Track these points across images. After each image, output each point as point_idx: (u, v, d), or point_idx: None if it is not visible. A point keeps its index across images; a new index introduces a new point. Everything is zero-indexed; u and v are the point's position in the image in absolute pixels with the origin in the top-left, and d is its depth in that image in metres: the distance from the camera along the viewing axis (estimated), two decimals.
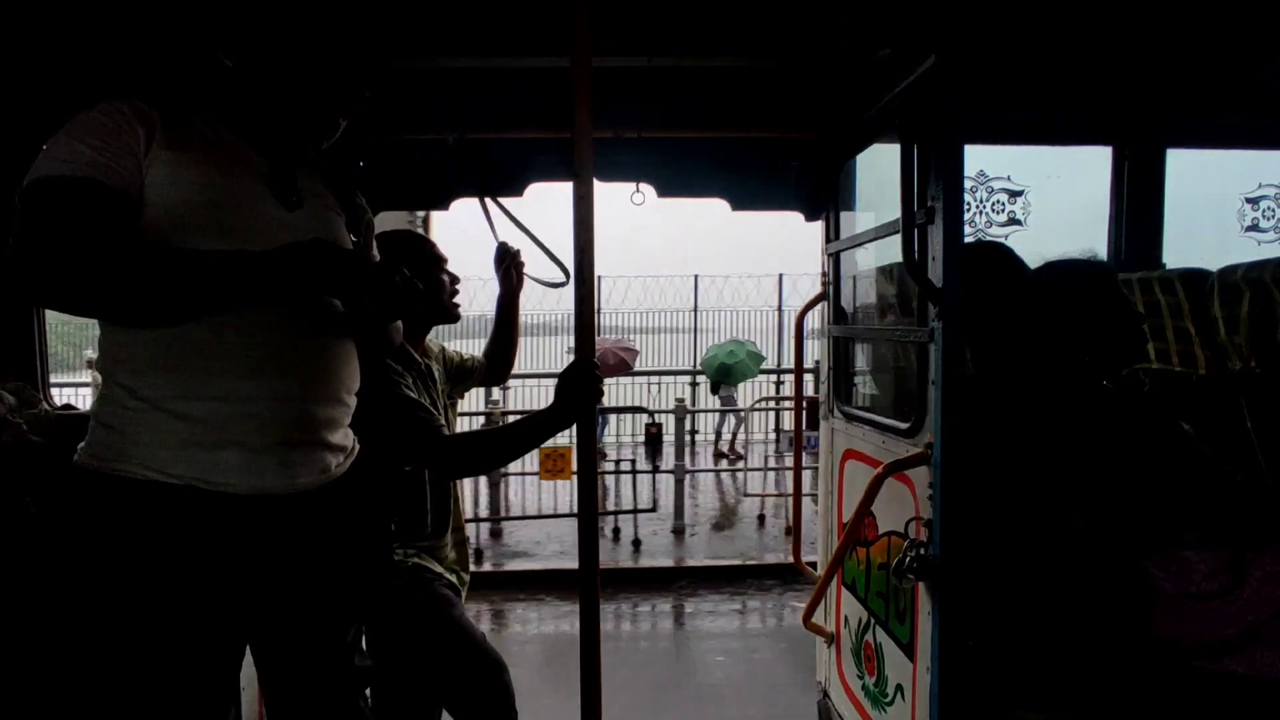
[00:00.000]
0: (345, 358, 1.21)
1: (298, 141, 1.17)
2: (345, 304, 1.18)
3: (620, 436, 8.48)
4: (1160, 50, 1.91)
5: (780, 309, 10.35)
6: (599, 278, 1.98)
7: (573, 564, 1.69)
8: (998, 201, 2.45)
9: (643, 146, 2.14)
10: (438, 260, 1.75)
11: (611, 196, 2.17)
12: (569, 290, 1.42)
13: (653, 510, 5.37)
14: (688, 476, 5.80)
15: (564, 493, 5.28)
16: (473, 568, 2.11)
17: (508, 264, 1.93)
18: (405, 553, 1.68)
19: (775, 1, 1.78)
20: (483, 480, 5.33)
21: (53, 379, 2.29)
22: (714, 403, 8.24)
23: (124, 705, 1.07)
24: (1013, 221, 2.46)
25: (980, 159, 2.44)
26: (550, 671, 3.31)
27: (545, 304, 9.02)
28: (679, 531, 5.32)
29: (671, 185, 2.21)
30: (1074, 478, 1.46)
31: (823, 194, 2.22)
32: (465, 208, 2.16)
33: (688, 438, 6.73)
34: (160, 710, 1.07)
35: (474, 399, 6.81)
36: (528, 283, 1.99)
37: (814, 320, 2.53)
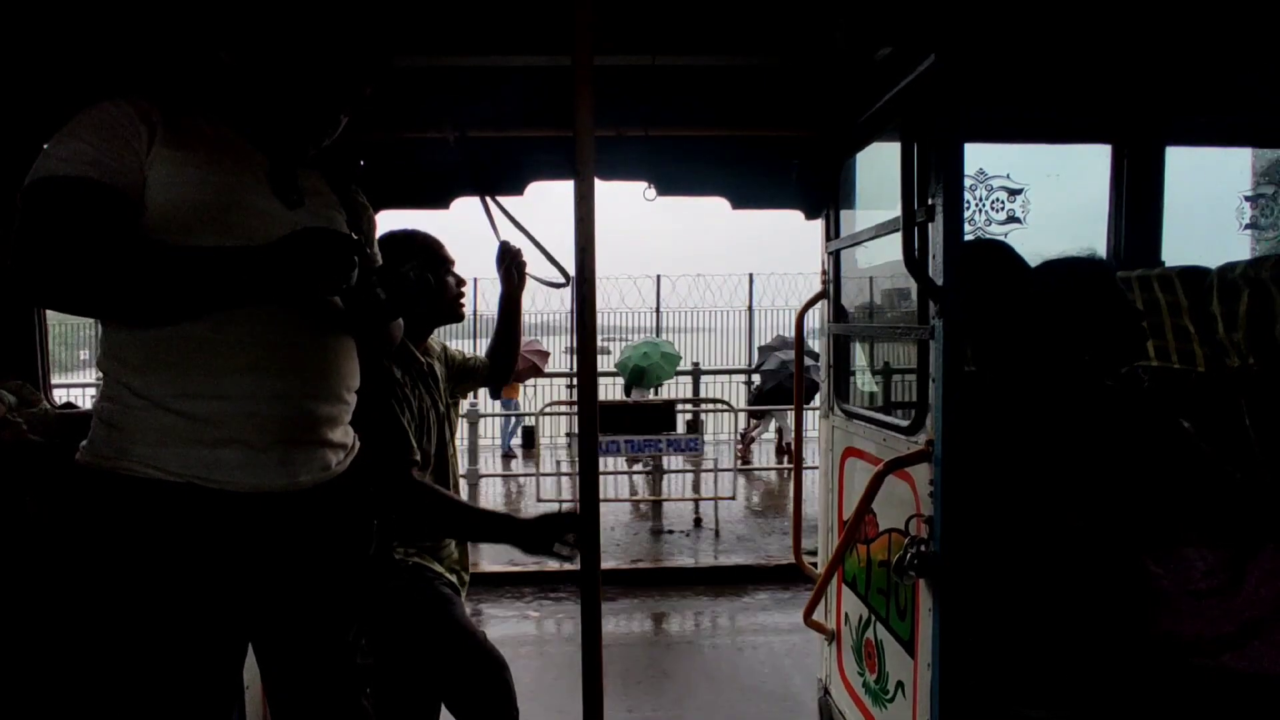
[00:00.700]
0: (345, 355, 1.21)
1: (298, 138, 1.17)
2: (348, 298, 1.18)
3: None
4: (1159, 48, 1.91)
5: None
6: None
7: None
8: (997, 200, 2.46)
9: (643, 145, 2.14)
10: (446, 262, 1.76)
11: (608, 196, 2.17)
12: (568, 290, 1.42)
13: None
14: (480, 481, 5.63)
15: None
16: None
17: (508, 263, 1.93)
18: (405, 552, 1.68)
19: (776, 0, 1.79)
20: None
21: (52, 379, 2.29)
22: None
23: (126, 704, 1.07)
24: (1012, 220, 2.47)
25: (979, 157, 2.45)
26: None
27: (550, 304, 8.95)
28: None
29: (672, 183, 2.21)
30: (1074, 475, 1.46)
31: (823, 192, 2.23)
32: (466, 207, 2.16)
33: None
34: (163, 709, 1.07)
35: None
36: (529, 283, 1.99)
37: (813, 320, 2.54)
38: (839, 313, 2.26)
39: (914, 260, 1.48)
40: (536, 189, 2.21)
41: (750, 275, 10.11)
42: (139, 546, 1.05)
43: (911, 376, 1.73)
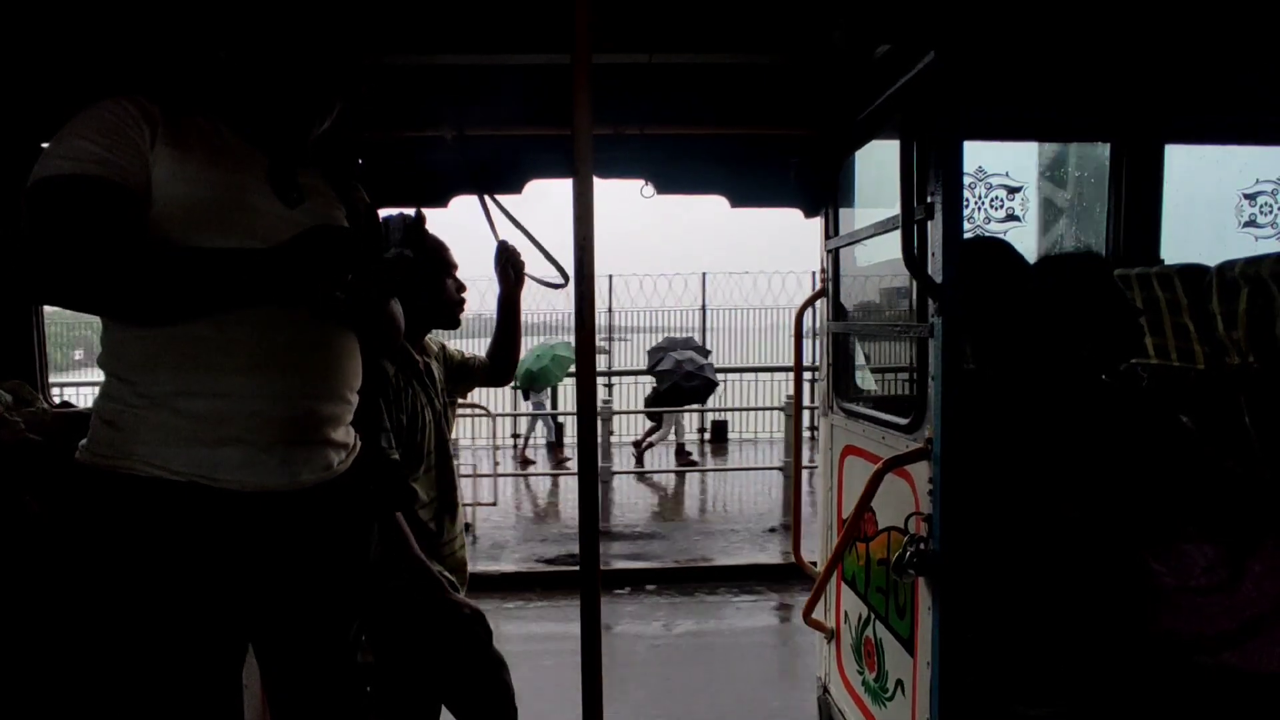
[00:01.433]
0: (348, 355, 1.21)
1: (289, 124, 1.16)
2: (349, 293, 1.17)
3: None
4: (1158, 47, 1.91)
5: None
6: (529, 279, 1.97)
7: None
8: (996, 197, 2.46)
9: (642, 143, 2.14)
10: (448, 266, 1.76)
11: (608, 196, 2.17)
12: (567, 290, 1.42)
13: None
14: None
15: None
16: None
17: (505, 263, 1.93)
18: None
19: None
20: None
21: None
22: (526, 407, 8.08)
23: (127, 703, 1.07)
24: (1011, 217, 2.47)
25: (979, 155, 2.45)
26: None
27: (553, 304, 8.91)
28: None
29: (670, 182, 2.21)
30: (1074, 472, 1.46)
31: (822, 190, 2.22)
32: (465, 206, 2.15)
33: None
34: (163, 708, 1.07)
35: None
36: (528, 283, 1.99)
37: (811, 319, 2.53)
38: (838, 311, 2.26)
39: (913, 258, 1.48)
40: (535, 189, 2.21)
41: (704, 275, 10.02)
42: (141, 545, 1.05)
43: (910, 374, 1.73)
